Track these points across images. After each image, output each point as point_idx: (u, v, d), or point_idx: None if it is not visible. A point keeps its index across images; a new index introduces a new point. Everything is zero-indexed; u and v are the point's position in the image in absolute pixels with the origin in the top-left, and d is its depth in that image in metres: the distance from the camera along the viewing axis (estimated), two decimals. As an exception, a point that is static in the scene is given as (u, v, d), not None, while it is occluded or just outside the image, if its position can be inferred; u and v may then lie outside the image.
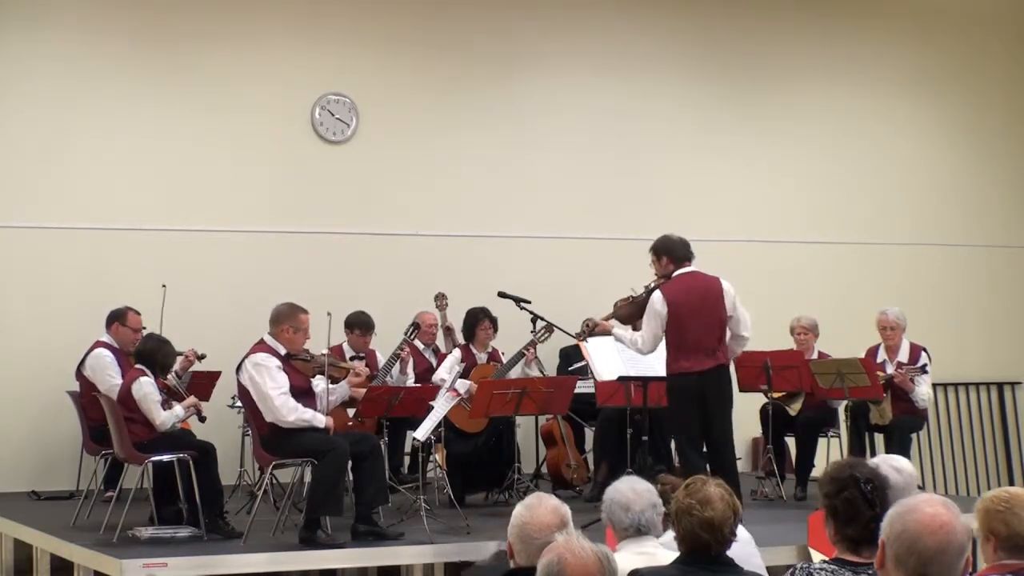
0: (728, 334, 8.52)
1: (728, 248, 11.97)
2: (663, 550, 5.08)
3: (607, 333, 8.83)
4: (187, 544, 7.99)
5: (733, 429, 8.62)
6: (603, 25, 12.71)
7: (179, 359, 9.64)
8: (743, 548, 5.56)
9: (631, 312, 8.74)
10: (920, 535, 3.18)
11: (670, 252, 8.58)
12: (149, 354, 8.65)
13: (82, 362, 9.75)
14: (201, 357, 9.83)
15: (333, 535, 8.00)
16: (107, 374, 9.45)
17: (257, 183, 11.63)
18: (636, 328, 8.73)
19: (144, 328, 9.77)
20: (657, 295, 8.43)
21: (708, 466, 8.12)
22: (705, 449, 8.48)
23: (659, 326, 8.40)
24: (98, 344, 9.74)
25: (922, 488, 10.54)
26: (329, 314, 8.27)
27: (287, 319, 8.21)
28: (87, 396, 9.55)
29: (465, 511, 8.97)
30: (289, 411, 7.96)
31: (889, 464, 5.12)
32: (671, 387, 8.55)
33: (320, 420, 8.08)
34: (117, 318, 9.88)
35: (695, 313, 8.38)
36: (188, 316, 10.76)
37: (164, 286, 10.05)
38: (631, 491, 5.15)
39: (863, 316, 11.01)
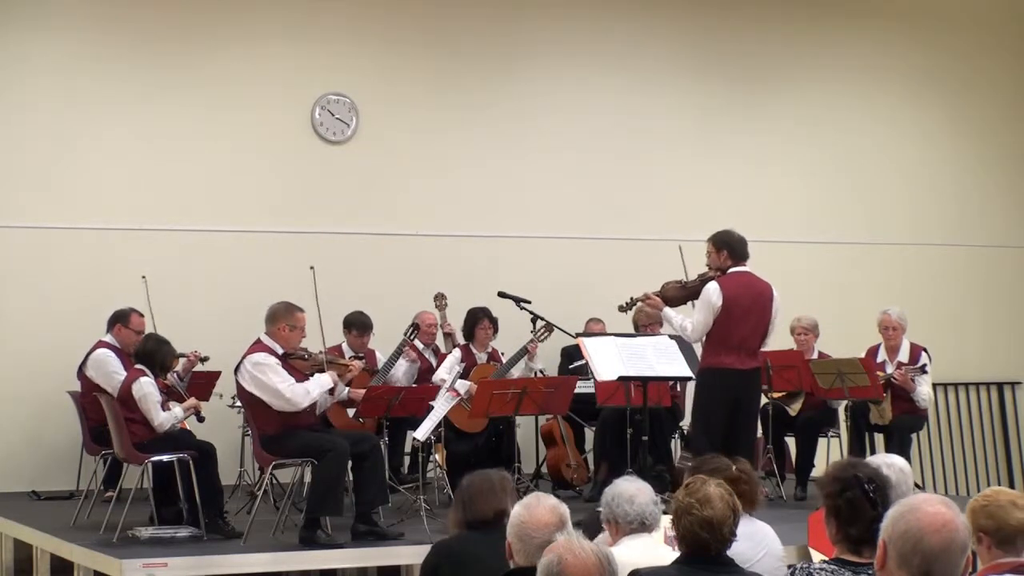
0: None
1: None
2: (664, 547, 5.10)
3: (657, 309, 8.95)
4: (187, 544, 7.99)
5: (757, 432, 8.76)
6: (603, 25, 12.71)
7: (182, 360, 9.67)
8: (771, 563, 5.50)
9: (679, 296, 8.93)
10: (924, 533, 3.19)
11: (731, 247, 8.76)
12: (149, 354, 8.65)
13: (84, 362, 9.75)
14: (204, 359, 9.84)
15: (333, 535, 8.00)
16: (111, 372, 9.43)
17: (257, 183, 11.63)
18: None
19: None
20: (714, 287, 8.58)
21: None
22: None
23: (710, 316, 8.57)
24: (100, 344, 9.75)
25: (921, 488, 10.55)
26: (312, 267, 8.26)
27: (283, 317, 8.21)
28: (87, 396, 9.55)
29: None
30: (303, 396, 7.99)
31: (884, 463, 5.13)
32: (705, 380, 8.70)
33: (325, 381, 8.11)
34: (120, 319, 9.88)
35: (746, 312, 8.57)
36: (188, 316, 10.77)
37: (144, 277, 10.00)
38: (633, 486, 5.20)
39: (863, 316, 11.01)
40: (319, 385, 8.08)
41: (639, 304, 9.28)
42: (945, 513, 3.23)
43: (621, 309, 9.35)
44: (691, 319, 8.71)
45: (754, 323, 8.62)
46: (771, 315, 8.70)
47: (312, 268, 8.30)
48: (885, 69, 13.66)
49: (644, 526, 5.15)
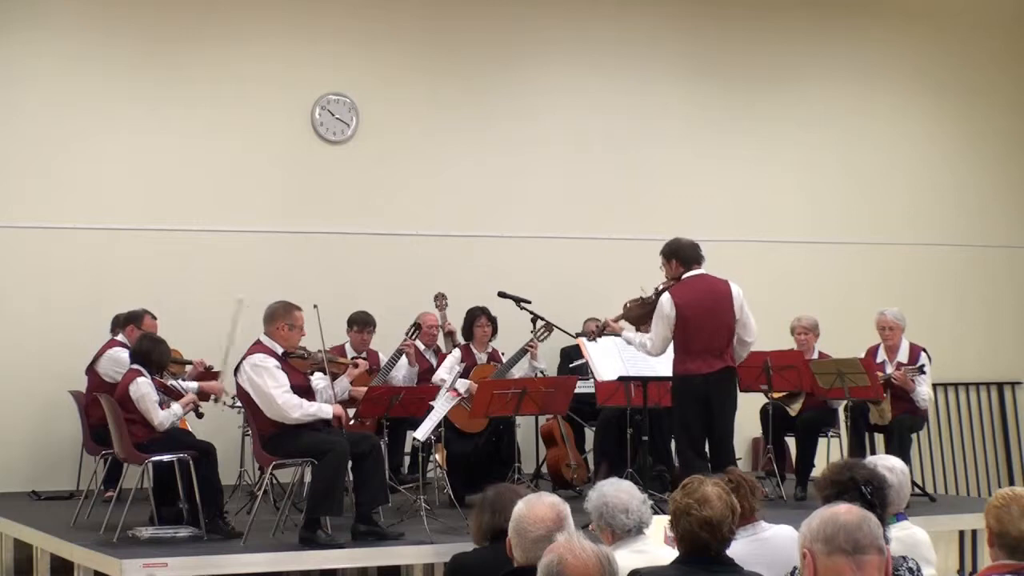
0: (735, 338, 8.55)
1: (728, 248, 11.95)
2: (661, 547, 5.10)
3: (616, 335, 8.85)
4: (187, 544, 7.99)
5: (734, 431, 8.66)
6: (603, 25, 12.71)
7: (187, 368, 9.66)
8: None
9: (641, 314, 8.77)
10: (835, 514, 3.28)
11: (679, 255, 8.61)
12: (145, 354, 8.63)
13: (95, 360, 9.73)
14: (209, 368, 9.83)
15: (333, 535, 8.00)
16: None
17: (257, 183, 11.63)
18: (645, 329, 8.74)
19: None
20: (666, 298, 8.45)
21: (709, 466, 8.14)
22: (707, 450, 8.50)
23: (668, 328, 8.43)
24: (113, 343, 9.77)
25: (922, 488, 10.55)
26: (315, 306, 8.23)
27: (282, 317, 8.21)
28: (90, 396, 9.54)
29: (465, 511, 8.95)
30: (293, 408, 7.96)
31: (882, 464, 5.12)
32: (676, 388, 8.60)
33: (327, 410, 8.07)
34: (133, 320, 9.87)
35: (703, 316, 8.42)
36: (188, 316, 10.77)
37: (241, 300, 9.36)
38: (623, 493, 5.18)
39: (863, 316, 11.01)
40: (319, 409, 8.03)
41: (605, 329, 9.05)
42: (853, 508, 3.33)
43: (591, 338, 9.22)
44: (650, 335, 8.53)
45: (716, 324, 8.45)
46: (732, 312, 8.50)
47: (316, 307, 8.22)
48: (885, 69, 13.66)
49: (640, 531, 5.16)
